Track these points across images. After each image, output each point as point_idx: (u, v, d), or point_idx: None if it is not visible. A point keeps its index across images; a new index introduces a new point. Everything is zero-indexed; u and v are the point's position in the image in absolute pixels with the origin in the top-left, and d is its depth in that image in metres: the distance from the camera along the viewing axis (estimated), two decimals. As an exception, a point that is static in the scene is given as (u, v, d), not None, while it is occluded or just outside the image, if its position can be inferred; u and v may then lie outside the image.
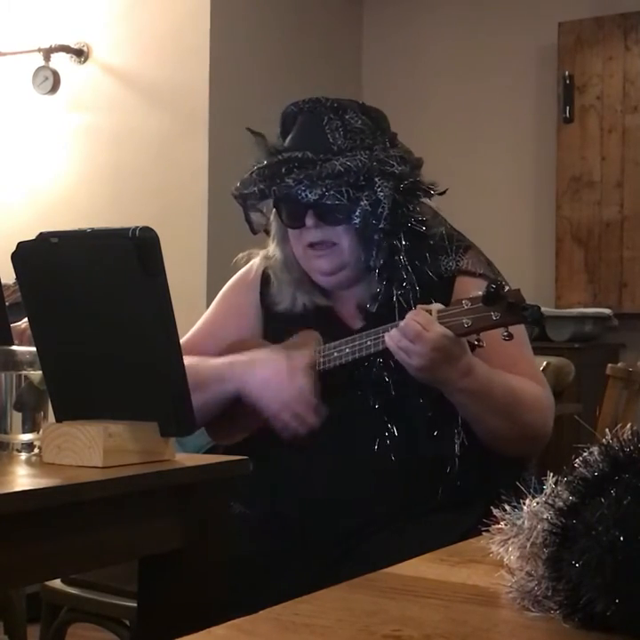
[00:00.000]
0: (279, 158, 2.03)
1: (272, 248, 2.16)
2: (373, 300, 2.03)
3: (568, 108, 4.66)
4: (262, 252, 2.20)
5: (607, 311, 4.48)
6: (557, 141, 4.72)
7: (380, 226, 1.98)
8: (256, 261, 2.20)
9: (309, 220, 2.02)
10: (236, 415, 2.06)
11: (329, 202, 1.98)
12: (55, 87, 4.50)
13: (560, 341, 4.32)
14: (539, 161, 4.87)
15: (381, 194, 1.98)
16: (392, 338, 1.86)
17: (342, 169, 1.98)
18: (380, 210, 1.98)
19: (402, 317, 1.91)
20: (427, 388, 1.94)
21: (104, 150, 4.51)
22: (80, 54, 4.51)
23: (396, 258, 2.01)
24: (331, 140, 2.02)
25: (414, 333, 1.83)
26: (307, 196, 1.98)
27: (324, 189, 1.97)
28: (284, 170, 2.01)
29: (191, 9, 4.38)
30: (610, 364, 3.40)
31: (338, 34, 5.13)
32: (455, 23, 5.06)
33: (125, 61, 4.48)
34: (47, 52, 4.49)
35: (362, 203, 1.98)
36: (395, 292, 2.01)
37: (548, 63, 4.82)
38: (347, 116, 2.04)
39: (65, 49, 4.50)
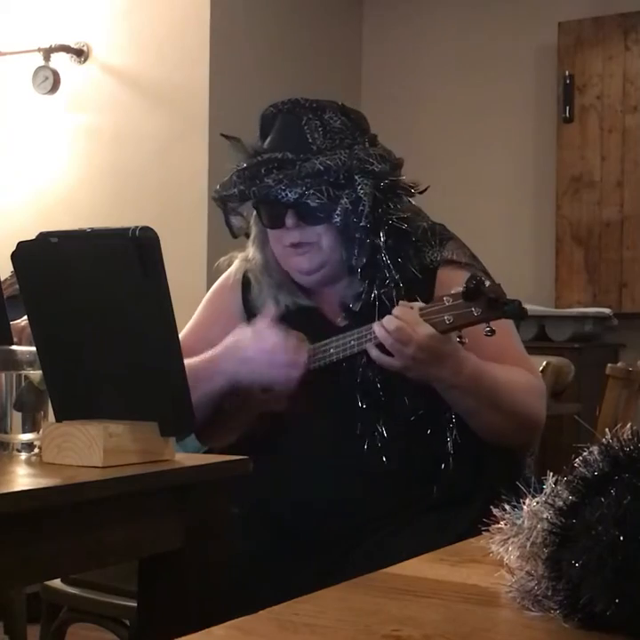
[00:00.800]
0: (258, 159, 2.03)
1: (252, 251, 2.15)
2: (356, 299, 2.03)
3: (568, 107, 4.66)
4: (241, 256, 2.19)
5: (607, 311, 4.48)
6: (557, 141, 4.72)
7: (362, 224, 1.98)
8: (235, 265, 2.20)
9: (289, 221, 2.02)
10: (224, 417, 2.06)
11: (309, 201, 1.98)
12: (55, 87, 4.50)
13: (560, 341, 4.32)
14: (539, 161, 4.86)
15: (362, 192, 1.98)
16: (384, 340, 1.86)
17: (322, 168, 1.97)
18: (361, 208, 1.98)
19: (383, 316, 1.91)
20: (415, 386, 1.94)
21: (104, 150, 4.51)
22: (80, 54, 4.52)
23: (378, 256, 2.01)
24: (310, 140, 2.01)
25: (399, 333, 1.83)
26: (286, 195, 1.98)
27: (303, 188, 1.97)
28: (263, 170, 2.01)
29: (191, 9, 4.38)
30: (610, 364, 3.39)
31: (338, 34, 5.13)
32: (455, 23, 5.06)
33: (125, 61, 4.48)
34: (47, 52, 4.49)
35: (342, 201, 1.98)
36: (377, 290, 2.01)
37: (547, 63, 4.81)
38: (326, 116, 2.04)
39: (65, 49, 4.51)
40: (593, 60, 4.65)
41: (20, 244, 1.63)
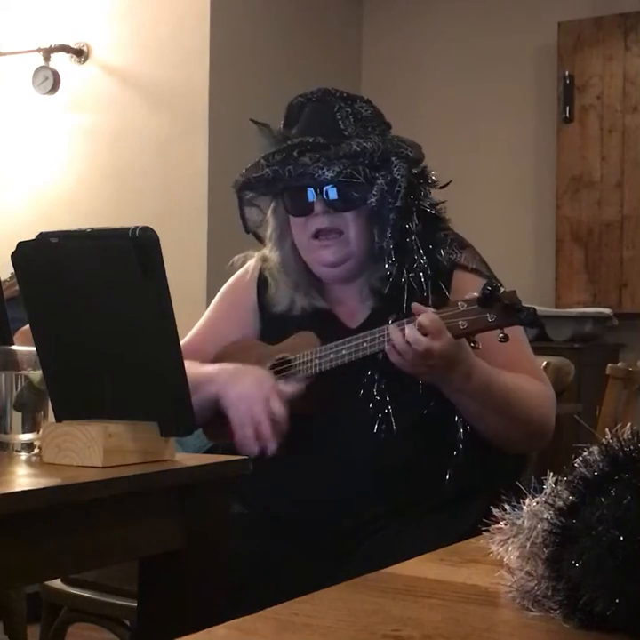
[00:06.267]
0: (288, 143, 2.02)
1: (269, 249, 2.15)
2: (384, 281, 2.02)
3: (568, 108, 4.66)
4: (258, 254, 2.19)
5: (607, 311, 4.48)
6: (557, 141, 4.72)
7: (397, 204, 1.98)
8: (252, 263, 2.20)
9: (318, 207, 2.01)
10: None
11: (345, 180, 1.98)
12: (55, 87, 4.50)
13: (560, 341, 4.32)
14: (539, 161, 4.87)
15: (397, 173, 1.98)
16: (402, 352, 1.84)
17: (358, 149, 1.98)
18: (397, 189, 1.98)
19: (410, 300, 1.91)
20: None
21: (104, 150, 4.51)
22: (80, 54, 4.51)
23: (408, 240, 2.01)
24: (342, 126, 2.02)
25: (421, 348, 1.81)
26: (324, 174, 1.97)
27: (341, 167, 1.97)
28: (295, 153, 2.00)
29: (191, 9, 4.38)
30: (610, 364, 3.39)
31: (338, 34, 5.13)
32: (455, 23, 5.06)
33: (125, 61, 4.48)
34: (47, 52, 4.49)
35: (378, 182, 1.98)
36: (406, 274, 2.00)
37: (547, 63, 4.81)
38: (356, 105, 2.06)
39: (65, 49, 4.51)
40: (593, 59, 4.65)
41: (20, 244, 1.63)
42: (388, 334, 1.87)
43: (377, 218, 2.01)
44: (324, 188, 2.00)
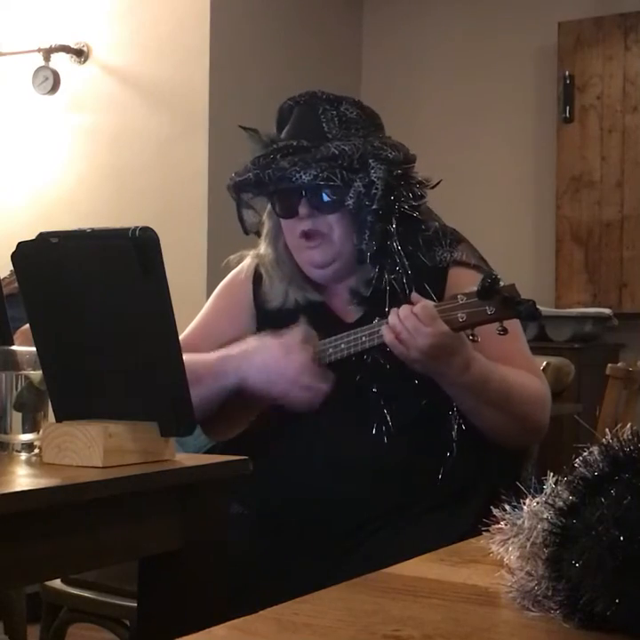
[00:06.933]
0: (274, 147, 2.05)
1: (264, 247, 2.17)
2: (367, 285, 2.04)
3: (568, 107, 4.66)
4: (252, 252, 2.21)
5: (607, 311, 4.48)
6: (557, 141, 4.72)
7: (374, 207, 1.99)
8: (247, 260, 2.21)
9: (303, 209, 2.03)
10: (230, 411, 2.06)
11: (322, 183, 1.99)
12: (55, 87, 4.50)
13: (560, 341, 4.32)
14: (539, 161, 4.86)
15: (375, 176, 1.99)
16: (394, 327, 1.86)
17: (336, 152, 2.00)
18: (374, 191, 1.99)
19: (393, 302, 1.92)
20: (421, 377, 1.94)
21: (104, 150, 4.51)
22: (80, 54, 4.51)
23: (389, 243, 2.02)
24: (325, 129, 2.04)
25: (414, 328, 1.83)
26: (301, 177, 1.99)
27: (318, 171, 1.98)
28: (278, 156, 2.03)
29: (191, 9, 4.38)
30: (610, 364, 3.40)
31: (338, 34, 5.12)
32: (455, 23, 5.06)
33: (125, 61, 4.48)
34: (47, 52, 4.49)
35: (355, 184, 1.99)
36: (387, 276, 2.01)
37: (547, 63, 4.81)
38: (342, 108, 2.07)
39: (65, 49, 4.51)
40: (593, 59, 4.65)
41: (20, 244, 1.63)
42: (386, 320, 1.88)
43: (357, 220, 2.02)
44: (307, 191, 2.01)
